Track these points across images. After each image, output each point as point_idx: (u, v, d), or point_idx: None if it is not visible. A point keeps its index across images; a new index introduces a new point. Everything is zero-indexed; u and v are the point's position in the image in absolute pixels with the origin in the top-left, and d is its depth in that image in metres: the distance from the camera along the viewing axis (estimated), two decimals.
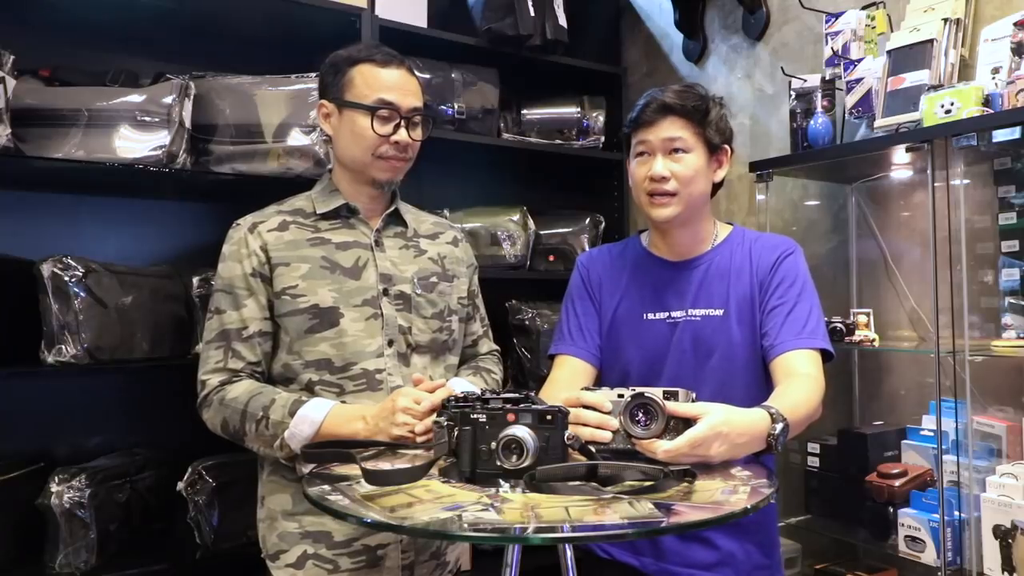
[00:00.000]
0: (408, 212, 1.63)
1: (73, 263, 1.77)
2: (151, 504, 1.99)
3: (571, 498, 1.03)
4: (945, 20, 1.82)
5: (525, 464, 1.08)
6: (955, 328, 1.68)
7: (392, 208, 1.58)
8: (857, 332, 1.96)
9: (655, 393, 1.15)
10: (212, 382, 1.44)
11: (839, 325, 1.93)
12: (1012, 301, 1.71)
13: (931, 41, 1.81)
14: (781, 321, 1.44)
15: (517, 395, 1.15)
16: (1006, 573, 1.58)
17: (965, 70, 1.84)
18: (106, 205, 2.13)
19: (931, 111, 1.71)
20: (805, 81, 2.09)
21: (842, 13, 2.05)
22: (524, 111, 2.63)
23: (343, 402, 1.43)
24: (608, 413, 1.17)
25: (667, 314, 1.51)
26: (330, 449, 1.30)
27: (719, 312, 1.49)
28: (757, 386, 1.45)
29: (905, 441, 1.94)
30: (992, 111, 1.65)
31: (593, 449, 1.14)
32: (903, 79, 1.83)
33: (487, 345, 1.74)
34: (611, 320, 1.57)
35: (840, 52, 2.02)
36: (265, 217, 1.52)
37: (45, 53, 1.94)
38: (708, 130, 1.45)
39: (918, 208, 2.04)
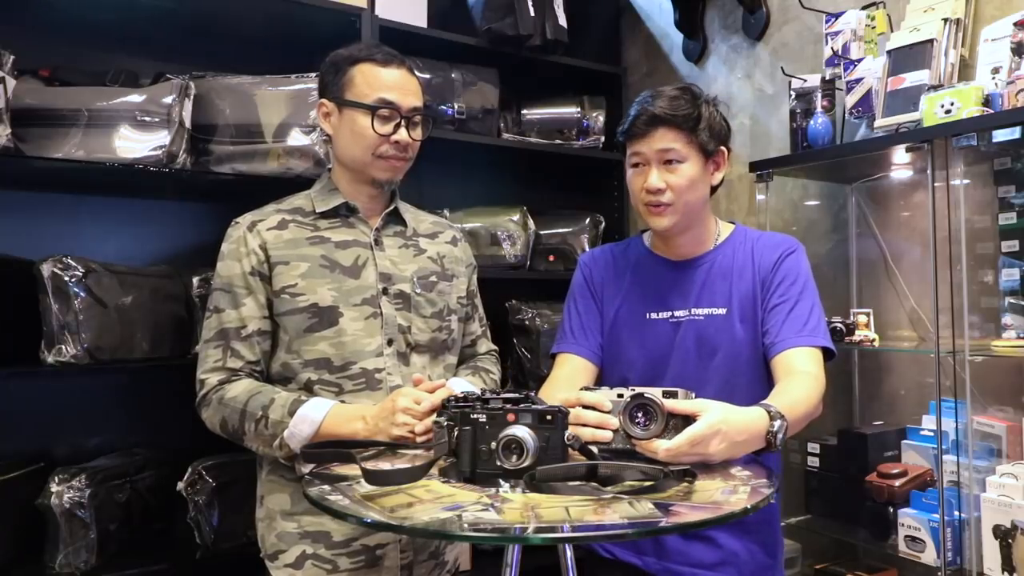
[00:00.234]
0: (407, 211, 1.63)
1: (73, 263, 1.77)
2: (151, 504, 1.99)
3: (571, 498, 1.03)
4: (945, 20, 1.82)
5: (525, 464, 1.08)
6: (955, 328, 1.68)
7: (391, 207, 1.58)
8: (857, 332, 1.96)
9: (654, 393, 1.15)
10: (211, 381, 1.44)
11: (839, 325, 1.93)
12: (1012, 301, 1.71)
13: (931, 41, 1.81)
14: (782, 319, 1.44)
15: (517, 395, 1.15)
16: (1006, 573, 1.58)
17: (965, 70, 1.84)
18: (106, 205, 2.13)
19: (931, 111, 1.71)
20: (805, 81, 2.09)
21: (842, 13, 2.05)
22: (524, 111, 2.63)
23: (342, 402, 1.43)
24: (608, 413, 1.17)
25: (670, 313, 1.51)
26: (330, 449, 1.30)
27: (722, 311, 1.49)
28: (760, 384, 1.45)
29: (905, 441, 1.94)
30: (992, 111, 1.65)
31: (594, 449, 1.14)
32: (903, 79, 1.83)
33: (486, 345, 1.74)
34: (613, 320, 1.57)
35: (840, 52, 2.02)
36: (264, 215, 1.52)
37: (45, 53, 1.94)
38: (701, 136, 1.44)
39: (918, 208, 2.04)
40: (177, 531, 1.98)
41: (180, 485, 1.91)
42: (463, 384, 1.53)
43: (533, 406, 1.12)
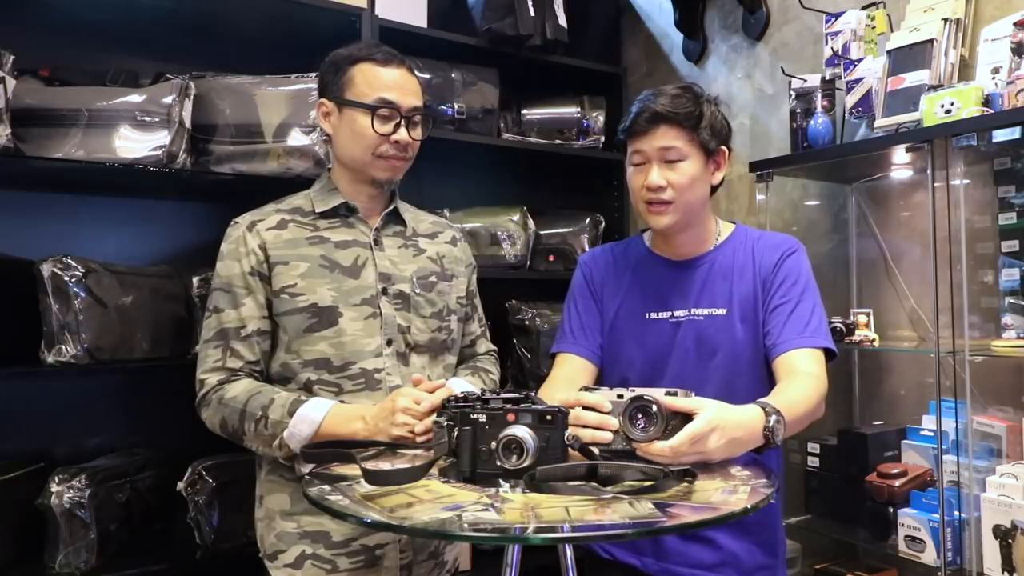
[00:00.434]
0: (407, 211, 1.63)
1: (73, 263, 1.77)
2: (151, 504, 1.99)
3: (571, 498, 1.03)
4: (945, 20, 1.82)
5: (525, 464, 1.08)
6: (955, 328, 1.68)
7: (391, 207, 1.58)
8: (857, 332, 1.96)
9: (655, 394, 1.15)
10: (211, 381, 1.44)
11: (839, 325, 1.93)
12: (1012, 301, 1.71)
13: (931, 41, 1.81)
14: (784, 320, 1.44)
15: (517, 395, 1.15)
16: (1006, 573, 1.58)
17: (965, 70, 1.84)
18: (106, 205, 2.13)
19: (931, 111, 1.71)
20: (805, 81, 2.09)
21: (842, 13, 2.05)
22: (524, 111, 2.63)
23: (342, 402, 1.43)
24: (608, 414, 1.17)
25: (670, 313, 1.51)
26: (329, 449, 1.30)
27: (722, 311, 1.48)
28: (761, 385, 1.45)
29: (905, 441, 1.94)
30: (992, 111, 1.65)
31: (594, 450, 1.14)
32: (903, 79, 1.83)
33: (485, 345, 1.74)
34: (613, 319, 1.57)
35: (840, 52, 2.02)
36: (264, 215, 1.52)
37: (45, 53, 1.94)
38: (702, 135, 1.44)
39: (918, 208, 2.04)
40: (177, 531, 1.98)
41: (180, 485, 1.91)
42: (463, 384, 1.53)
43: (533, 406, 1.12)
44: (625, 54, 2.97)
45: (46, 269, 1.74)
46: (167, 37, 2.18)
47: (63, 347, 1.74)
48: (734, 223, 1.60)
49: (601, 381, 1.57)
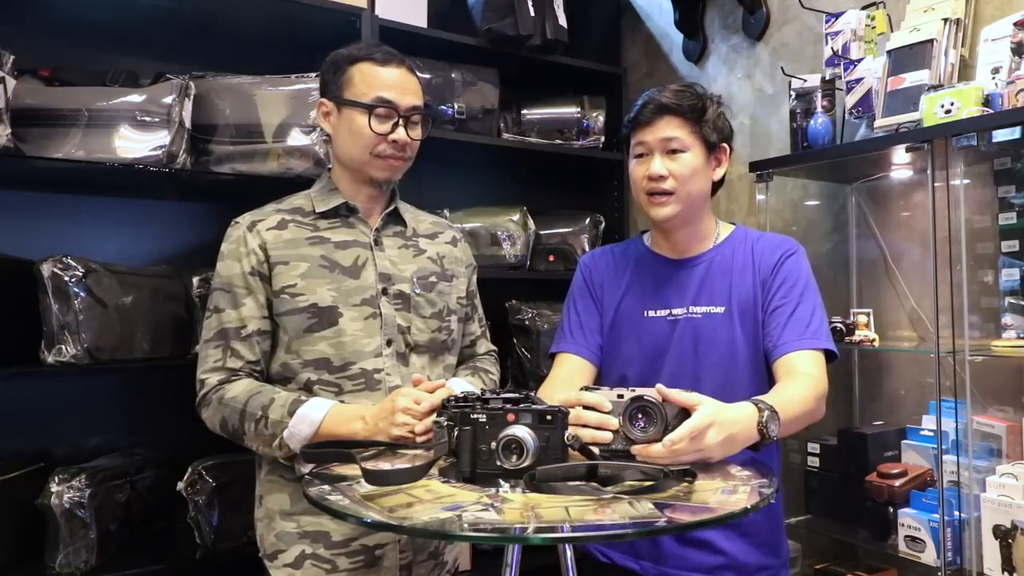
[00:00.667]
0: (407, 211, 1.63)
1: (73, 263, 1.77)
2: (151, 504, 1.99)
3: (571, 498, 1.03)
4: (945, 20, 1.82)
5: (525, 464, 1.08)
6: (955, 328, 1.68)
7: (391, 207, 1.58)
8: (857, 332, 1.96)
9: (654, 395, 1.15)
10: (211, 381, 1.44)
11: (839, 325, 1.93)
12: (1012, 301, 1.71)
13: (931, 41, 1.81)
14: (784, 322, 1.44)
15: (517, 395, 1.15)
16: (1006, 573, 1.58)
17: (965, 70, 1.84)
18: (106, 205, 2.13)
19: (931, 111, 1.71)
20: (805, 81, 2.09)
21: (842, 13, 2.05)
22: (524, 111, 2.63)
23: (342, 402, 1.43)
24: (608, 413, 1.17)
25: (668, 311, 1.52)
26: (329, 449, 1.30)
27: (720, 310, 1.49)
28: (759, 385, 1.45)
29: (905, 441, 1.94)
30: (992, 111, 1.65)
31: (594, 449, 1.14)
32: (903, 79, 1.83)
33: (485, 345, 1.74)
34: (612, 318, 1.57)
35: (840, 52, 2.02)
36: (264, 215, 1.52)
37: (45, 53, 1.94)
38: (705, 129, 1.46)
39: (918, 208, 2.04)
40: (177, 531, 1.97)
41: (180, 485, 1.91)
42: (463, 384, 1.53)
43: (533, 406, 1.12)
44: (625, 54, 2.97)
45: (46, 269, 1.74)
46: (167, 37, 2.18)
47: (63, 347, 1.74)
48: (734, 224, 1.61)
49: (600, 380, 1.57)
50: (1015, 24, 1.69)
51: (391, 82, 1.48)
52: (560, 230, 2.65)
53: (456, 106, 2.42)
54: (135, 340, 1.88)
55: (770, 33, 2.43)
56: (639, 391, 1.16)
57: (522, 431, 1.09)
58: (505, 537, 0.93)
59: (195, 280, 2.03)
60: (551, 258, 2.63)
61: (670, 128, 1.45)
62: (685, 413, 1.14)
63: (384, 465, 1.20)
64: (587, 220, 2.68)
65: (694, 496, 1.04)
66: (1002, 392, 1.79)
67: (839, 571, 2.05)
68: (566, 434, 1.10)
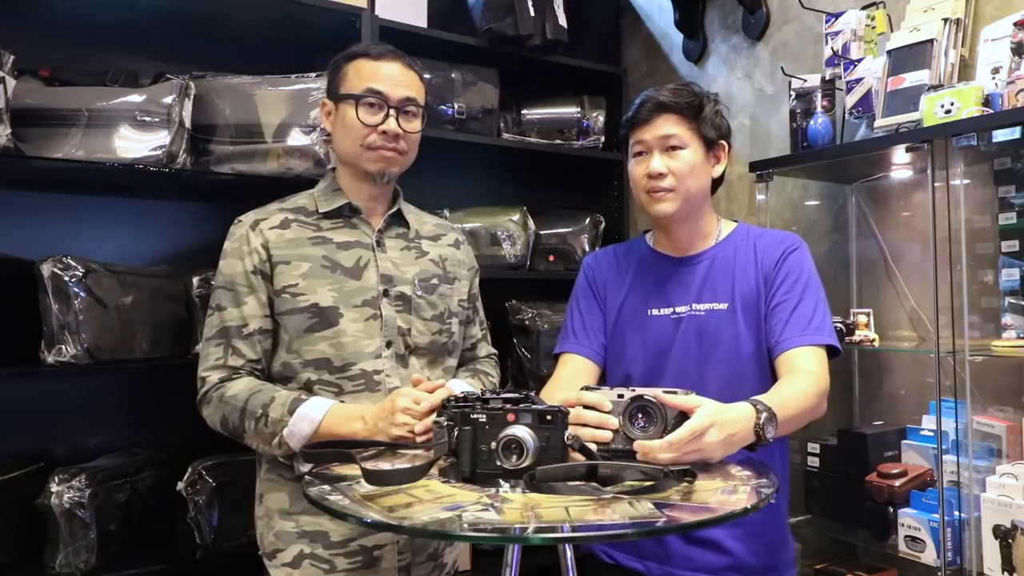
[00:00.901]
0: (410, 213, 1.62)
1: (73, 263, 1.77)
2: (151, 504, 1.99)
3: (571, 498, 1.03)
4: (945, 20, 1.82)
5: (525, 464, 1.08)
6: (955, 328, 1.68)
7: (395, 208, 1.58)
8: (857, 332, 1.96)
9: (655, 394, 1.15)
10: (212, 379, 1.44)
11: (839, 325, 1.93)
12: (1012, 301, 1.71)
13: (931, 41, 1.81)
14: (786, 318, 1.44)
15: (517, 395, 1.14)
16: (1006, 573, 1.58)
17: (965, 70, 1.84)
18: (106, 205, 2.13)
19: (931, 111, 1.71)
20: (805, 81, 2.09)
21: (842, 13, 2.05)
22: (524, 111, 2.63)
23: (342, 402, 1.43)
24: (608, 413, 1.17)
25: (671, 309, 1.52)
26: (329, 449, 1.30)
27: (723, 306, 1.49)
28: (764, 381, 1.45)
29: (905, 441, 1.94)
30: (992, 111, 1.65)
31: (593, 448, 1.14)
32: (903, 79, 1.83)
33: (485, 349, 1.74)
34: (616, 318, 1.57)
35: (840, 52, 2.02)
36: (267, 214, 1.52)
37: (45, 53, 1.94)
38: (703, 126, 1.47)
39: (918, 208, 2.04)
40: (177, 531, 1.97)
41: (180, 485, 1.91)
42: (463, 385, 1.52)
43: (533, 406, 1.11)
44: (625, 54, 2.97)
45: (46, 269, 1.74)
46: (167, 37, 2.18)
47: (63, 347, 1.74)
48: (736, 221, 1.61)
49: (605, 380, 1.57)
50: (1015, 24, 1.69)
51: (382, 74, 1.48)
52: (560, 230, 2.65)
53: (456, 106, 2.42)
54: (135, 340, 1.88)
55: (770, 33, 2.43)
56: (639, 391, 1.16)
57: (522, 431, 1.09)
58: (505, 537, 0.93)
59: (195, 280, 2.03)
60: (551, 258, 2.63)
61: (668, 125, 1.46)
62: (685, 413, 1.14)
63: (384, 465, 1.20)
64: (587, 220, 2.68)
65: (694, 496, 1.04)
66: (1002, 392, 1.79)
67: (839, 571, 2.05)
68: (566, 434, 1.10)
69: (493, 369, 1.71)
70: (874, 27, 2.01)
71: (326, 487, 1.11)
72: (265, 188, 1.95)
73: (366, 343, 1.47)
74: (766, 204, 2.15)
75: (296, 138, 1.98)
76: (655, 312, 1.53)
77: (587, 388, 1.22)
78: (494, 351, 1.77)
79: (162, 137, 1.83)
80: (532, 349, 2.46)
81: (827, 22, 2.08)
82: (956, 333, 1.68)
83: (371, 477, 1.08)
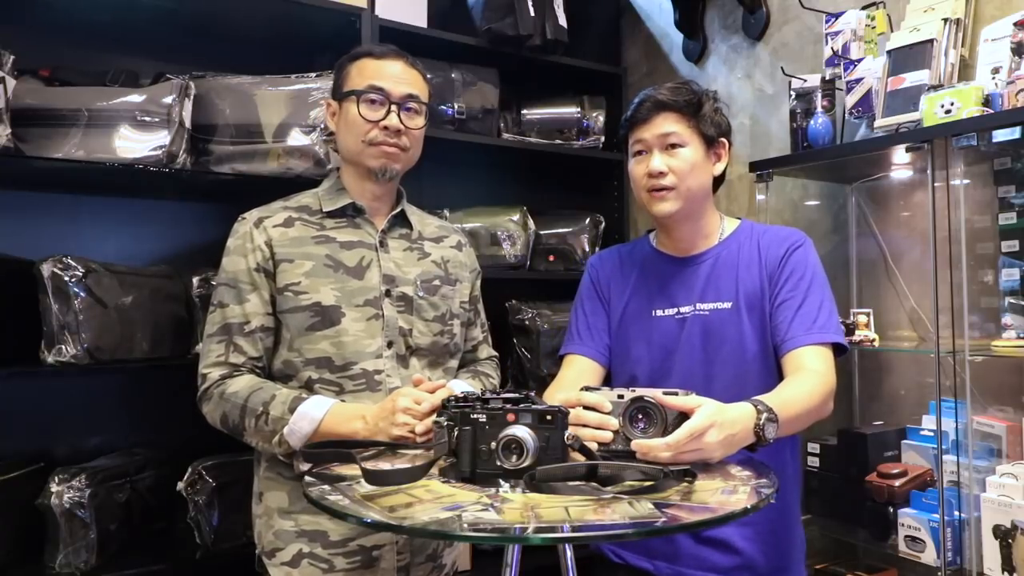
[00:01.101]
0: (414, 214, 1.63)
1: (73, 263, 1.77)
2: (151, 504, 1.99)
3: (571, 498, 1.03)
4: (945, 20, 1.82)
5: (525, 464, 1.08)
6: (955, 328, 1.68)
7: (398, 209, 1.58)
8: (857, 332, 1.96)
9: (655, 395, 1.15)
10: (213, 376, 1.44)
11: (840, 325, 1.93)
12: (1012, 301, 1.71)
13: (931, 41, 1.81)
14: (791, 316, 1.44)
15: (517, 395, 1.14)
16: (1006, 573, 1.58)
17: (965, 70, 1.84)
18: (106, 205, 2.13)
19: (931, 111, 1.71)
20: (805, 81, 2.09)
21: (842, 13, 2.05)
22: (524, 111, 2.63)
23: (343, 401, 1.43)
24: (608, 414, 1.17)
25: (676, 310, 1.52)
26: (330, 449, 1.30)
27: (727, 305, 1.48)
28: (771, 378, 1.44)
29: (905, 441, 1.94)
30: (992, 111, 1.65)
31: (594, 448, 1.14)
32: (903, 79, 1.83)
33: (486, 351, 1.74)
34: (620, 318, 1.57)
35: (840, 52, 2.02)
36: (271, 212, 1.52)
37: (45, 53, 1.94)
38: (702, 123, 1.47)
39: (918, 208, 2.04)
40: (177, 531, 1.98)
41: (180, 485, 1.91)
42: (463, 386, 1.53)
43: (533, 406, 1.11)
44: (625, 54, 2.97)
45: (46, 269, 1.74)
46: (167, 37, 2.18)
47: (63, 347, 1.74)
48: (740, 219, 1.60)
49: (609, 381, 1.57)
50: (1015, 24, 1.69)
51: (385, 72, 1.49)
52: (560, 230, 2.65)
53: (456, 106, 2.42)
54: (135, 340, 1.88)
55: (770, 33, 2.43)
56: (639, 391, 1.16)
57: (522, 431, 1.09)
58: (505, 537, 0.93)
59: (195, 280, 2.03)
60: (551, 258, 2.63)
61: (667, 123, 1.46)
62: (686, 414, 1.14)
63: (384, 465, 1.20)
64: (587, 220, 2.68)
65: (694, 496, 1.04)
66: (1002, 392, 1.79)
67: (839, 571, 2.05)
68: (566, 434, 1.10)
69: (494, 371, 1.71)
70: (874, 27, 2.01)
71: (326, 487, 1.11)
72: (265, 188, 1.95)
73: (367, 343, 1.47)
74: (766, 204, 2.15)
75: (296, 138, 1.98)
76: (659, 313, 1.53)
77: (587, 388, 1.22)
78: (495, 353, 1.77)
79: (162, 137, 1.83)
80: (532, 349, 2.46)
81: (827, 22, 2.08)
82: (956, 333, 1.68)
83: (371, 477, 1.08)
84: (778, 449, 1.27)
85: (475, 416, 1.11)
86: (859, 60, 1.96)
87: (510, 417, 1.11)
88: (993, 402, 1.78)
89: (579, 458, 1.12)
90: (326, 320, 1.45)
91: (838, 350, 1.45)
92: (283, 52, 2.23)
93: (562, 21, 2.55)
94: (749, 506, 1.00)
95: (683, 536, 1.44)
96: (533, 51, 2.52)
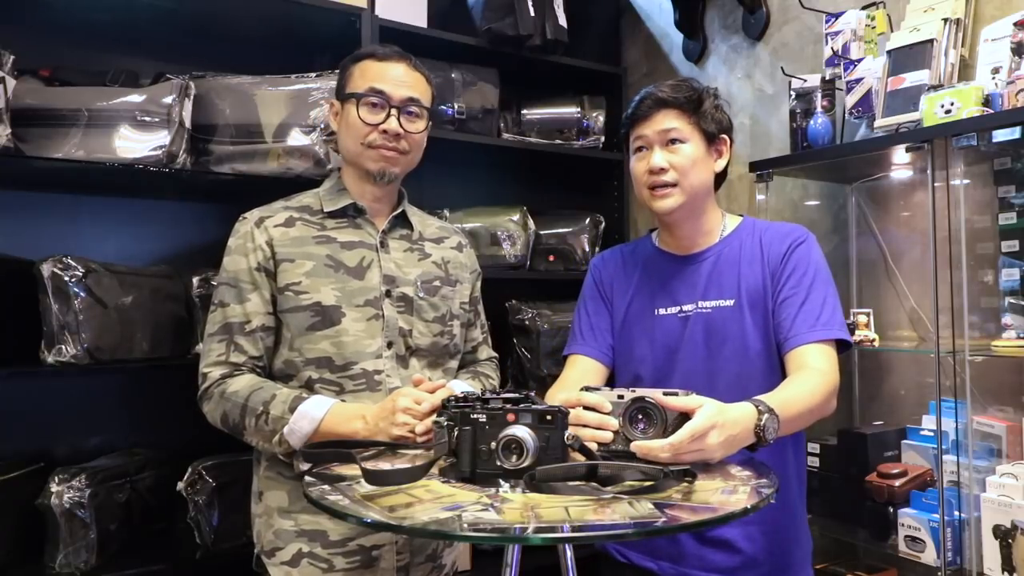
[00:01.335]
0: (415, 215, 1.63)
1: (73, 263, 1.77)
2: (151, 504, 1.99)
3: (571, 498, 1.03)
4: (945, 20, 1.82)
5: (525, 464, 1.08)
6: (955, 328, 1.68)
7: (399, 210, 1.58)
8: (857, 332, 1.96)
9: (655, 395, 1.15)
10: (213, 375, 1.44)
11: None
12: (1012, 301, 1.71)
13: (931, 41, 1.81)
14: (794, 313, 1.43)
15: (517, 395, 1.14)
16: (1006, 573, 1.58)
17: (965, 70, 1.84)
18: (106, 205, 2.13)
19: (931, 111, 1.71)
20: (805, 81, 2.09)
21: (842, 13, 2.05)
22: (524, 111, 2.63)
23: (343, 401, 1.43)
24: (608, 414, 1.17)
25: (678, 308, 1.52)
26: (330, 449, 1.30)
27: (729, 302, 1.48)
28: (774, 376, 1.44)
29: (905, 441, 1.94)
30: (992, 111, 1.65)
31: (594, 448, 1.14)
32: (903, 79, 1.83)
33: (486, 352, 1.74)
34: (623, 318, 1.57)
35: (840, 52, 2.02)
36: (272, 212, 1.52)
37: (45, 53, 1.94)
38: (703, 120, 1.47)
39: (918, 208, 2.04)
40: (177, 531, 1.98)
41: (180, 485, 1.91)
42: (463, 386, 1.53)
43: (533, 406, 1.12)
44: (625, 54, 2.97)
45: (46, 269, 1.74)
46: (167, 37, 2.18)
47: (63, 347, 1.74)
48: (742, 216, 1.60)
49: (613, 381, 1.57)
50: (1015, 24, 1.69)
51: (386, 75, 1.49)
52: (560, 230, 2.65)
53: (456, 106, 2.42)
54: (135, 340, 1.88)
55: (770, 33, 2.43)
56: (639, 392, 1.16)
57: (522, 431, 1.09)
58: (505, 537, 0.93)
59: (195, 280, 2.03)
60: (551, 258, 2.63)
61: (668, 120, 1.46)
62: (686, 414, 1.14)
63: (384, 465, 1.20)
64: (587, 220, 2.68)
65: (694, 496, 1.04)
66: (1002, 392, 1.79)
67: (839, 571, 2.05)
68: (566, 434, 1.10)
69: (494, 372, 1.72)
70: (874, 27, 2.01)
71: (326, 487, 1.11)
72: (265, 188, 1.95)
73: (367, 343, 1.47)
74: (766, 204, 2.15)
75: (296, 138, 1.98)
76: (662, 311, 1.53)
77: (587, 389, 1.22)
78: (495, 354, 1.77)
79: (162, 137, 1.83)
80: (532, 349, 2.46)
81: (827, 22, 2.08)
82: (956, 333, 1.68)
83: (371, 477, 1.08)
84: (780, 448, 1.27)
85: (475, 416, 1.12)
86: (859, 60, 1.96)
87: (510, 417, 1.11)
88: (993, 402, 1.78)
89: (579, 458, 1.12)
90: (326, 320, 1.45)
91: (842, 346, 1.44)
92: (283, 52, 2.23)
93: (562, 21, 2.55)
94: (749, 506, 1.00)
95: (686, 536, 1.44)
96: (533, 51, 2.52)
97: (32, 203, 2.04)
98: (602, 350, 1.57)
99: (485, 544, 2.13)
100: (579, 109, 2.68)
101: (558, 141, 2.66)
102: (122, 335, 1.84)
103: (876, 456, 1.93)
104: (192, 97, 1.90)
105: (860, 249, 2.20)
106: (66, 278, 1.75)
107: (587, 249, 2.64)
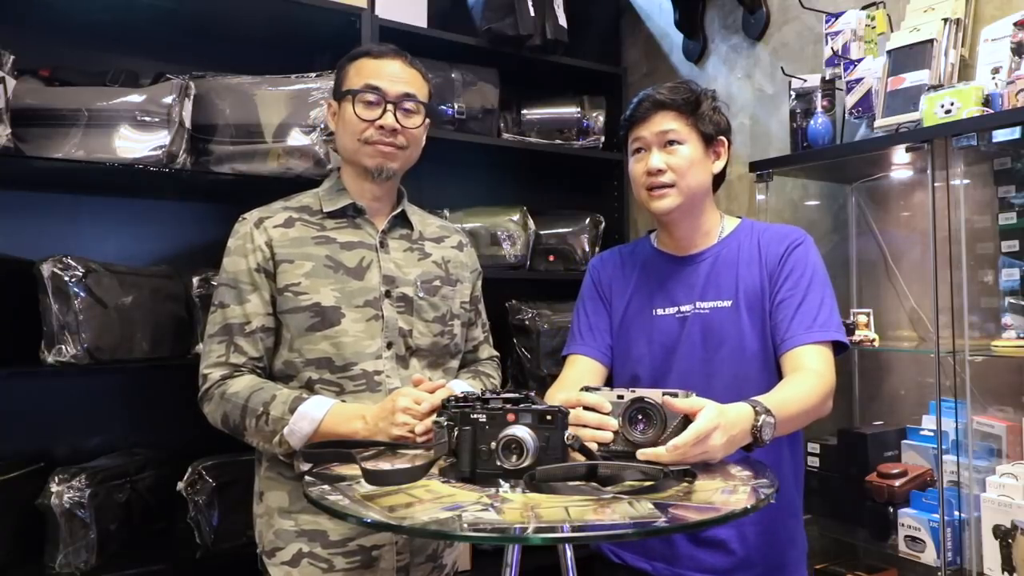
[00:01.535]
0: (414, 214, 1.63)
1: (73, 263, 1.77)
2: (151, 504, 1.99)
3: (571, 498, 1.03)
4: (945, 20, 1.82)
5: (525, 464, 1.08)
6: (955, 328, 1.68)
7: (399, 210, 1.58)
8: (857, 332, 1.96)
9: (655, 395, 1.15)
10: (213, 376, 1.44)
11: None
12: (1012, 301, 1.71)
13: (931, 41, 1.81)
14: (791, 314, 1.44)
15: (517, 395, 1.14)
16: (1006, 573, 1.58)
17: (965, 70, 1.84)
18: (106, 205, 2.13)
19: (931, 111, 1.71)
20: (805, 81, 2.09)
21: (842, 13, 2.05)
22: (524, 111, 2.63)
23: (343, 401, 1.43)
24: (608, 414, 1.17)
25: (676, 308, 1.52)
26: (330, 449, 1.30)
27: (727, 303, 1.48)
28: (770, 377, 1.44)
29: (905, 441, 1.94)
30: (992, 111, 1.65)
31: (594, 448, 1.14)
32: (903, 79, 1.83)
33: (487, 351, 1.74)
34: (622, 318, 1.57)
35: (840, 52, 2.02)
36: (271, 212, 1.52)
37: (45, 53, 1.94)
38: (701, 121, 1.48)
39: (918, 208, 2.04)
40: (177, 531, 1.98)
41: (180, 485, 1.91)
42: (463, 386, 1.53)
43: (533, 406, 1.12)
44: (625, 54, 2.97)
45: (46, 269, 1.74)
46: (167, 37, 2.18)
47: (63, 347, 1.74)
48: (740, 217, 1.61)
49: (612, 381, 1.57)
50: (1015, 24, 1.69)
51: (382, 71, 1.49)
52: (560, 230, 2.65)
53: (456, 106, 2.42)
54: (135, 340, 1.88)
55: (770, 33, 2.43)
56: (640, 392, 1.16)
57: (522, 431, 1.09)
58: (505, 537, 0.93)
59: (195, 280, 2.03)
60: (551, 258, 2.63)
61: (666, 121, 1.47)
62: (686, 415, 1.14)
63: (384, 465, 1.20)
64: (587, 220, 2.68)
65: (694, 496, 1.04)
66: (1002, 392, 1.79)
67: (839, 571, 2.05)
68: (566, 434, 1.10)
69: (494, 371, 1.71)
70: (874, 27, 2.01)
71: (326, 487, 1.11)
72: (265, 188, 1.95)
73: (367, 343, 1.47)
74: (766, 204, 2.15)
75: (296, 138, 1.98)
76: (660, 312, 1.53)
77: (587, 389, 1.22)
78: (496, 353, 1.77)
79: (162, 137, 1.83)
80: (532, 349, 2.46)
81: (827, 22, 2.08)
82: (956, 333, 1.68)
83: (371, 477, 1.08)
84: (775, 448, 1.27)
85: (475, 416, 1.12)
86: (859, 60, 1.96)
87: (510, 417, 1.11)
88: (993, 402, 1.78)
89: (579, 458, 1.12)
90: (326, 321, 1.45)
91: (839, 348, 1.44)
92: (283, 52, 2.23)
93: (562, 21, 2.55)
94: (749, 506, 1.00)
95: (680, 537, 1.45)
96: (533, 51, 2.52)
97: (32, 203, 2.04)
98: (601, 350, 1.58)
99: (485, 544, 2.13)
100: (579, 109, 2.68)
101: (558, 141, 2.66)
102: (122, 335, 1.84)
103: (876, 456, 1.93)
104: (192, 97, 1.90)
105: (860, 249, 2.20)
106: (66, 278, 1.75)
107: (587, 249, 2.64)
